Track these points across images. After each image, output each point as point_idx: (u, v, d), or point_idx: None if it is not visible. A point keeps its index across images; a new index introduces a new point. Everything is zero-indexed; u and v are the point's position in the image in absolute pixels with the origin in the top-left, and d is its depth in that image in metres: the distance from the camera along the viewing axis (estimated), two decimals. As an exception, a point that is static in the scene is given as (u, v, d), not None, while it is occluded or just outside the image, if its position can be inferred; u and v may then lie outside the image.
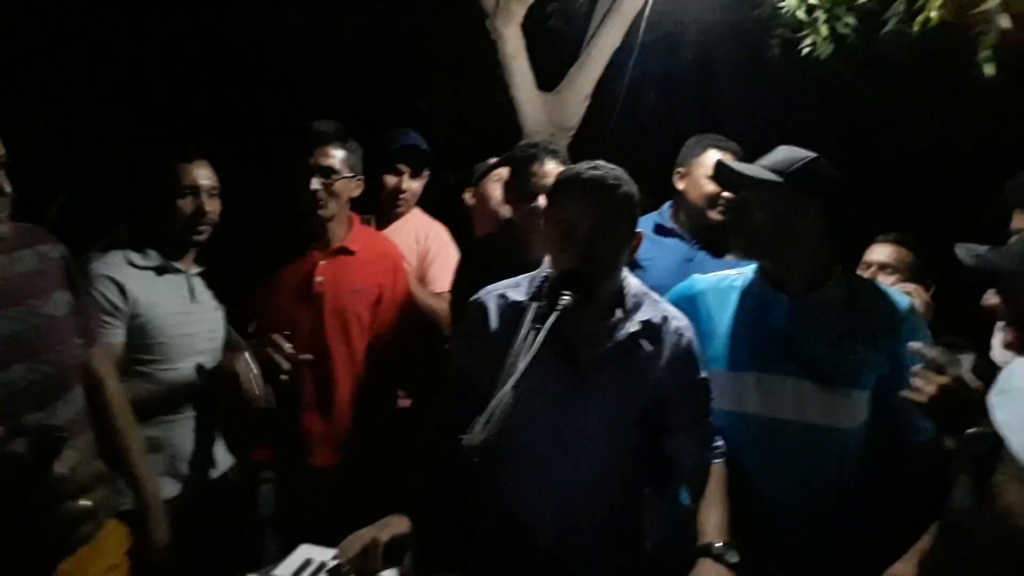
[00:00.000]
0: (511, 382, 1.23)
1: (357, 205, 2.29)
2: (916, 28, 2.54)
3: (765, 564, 1.49)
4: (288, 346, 1.93)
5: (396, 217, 2.64)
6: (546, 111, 3.73)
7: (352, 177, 2.16)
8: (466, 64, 4.82)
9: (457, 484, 1.57)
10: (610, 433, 1.53)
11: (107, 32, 4.59)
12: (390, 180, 2.59)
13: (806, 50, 3.21)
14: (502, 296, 1.57)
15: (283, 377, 1.92)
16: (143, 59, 4.81)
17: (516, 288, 1.58)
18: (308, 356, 2.00)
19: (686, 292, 1.79)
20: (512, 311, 1.51)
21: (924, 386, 1.40)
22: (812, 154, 1.66)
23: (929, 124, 5.31)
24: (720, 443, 1.60)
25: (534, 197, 1.97)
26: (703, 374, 1.58)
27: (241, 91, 5.05)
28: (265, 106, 4.94)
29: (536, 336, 1.28)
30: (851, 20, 3.15)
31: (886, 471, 1.67)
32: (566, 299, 1.33)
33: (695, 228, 2.49)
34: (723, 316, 1.72)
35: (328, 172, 2.09)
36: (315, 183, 2.07)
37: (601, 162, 1.50)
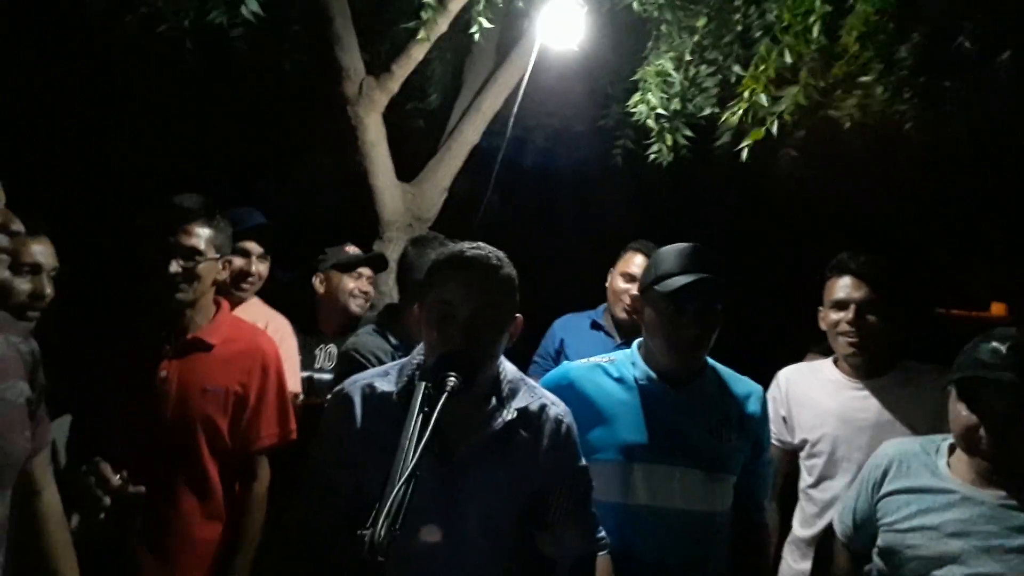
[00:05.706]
0: (408, 471, 1.06)
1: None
2: (746, 147, 2.97)
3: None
4: (115, 477, 1.56)
5: (236, 303, 2.43)
6: (405, 201, 3.72)
7: (218, 259, 1.94)
8: (322, 152, 4.77)
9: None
10: (490, 533, 1.43)
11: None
12: (236, 261, 2.38)
13: (652, 156, 3.48)
14: (369, 386, 1.46)
15: (102, 516, 1.55)
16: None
17: (384, 377, 1.47)
18: (140, 488, 1.59)
19: (561, 380, 1.75)
20: (380, 402, 1.42)
21: None
22: (714, 254, 1.66)
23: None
24: (603, 534, 1.54)
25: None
26: (583, 462, 1.53)
27: (85, 160, 4.62)
28: (105, 175, 4.56)
29: (425, 421, 1.13)
30: (688, 132, 3.48)
31: (736, 544, 1.76)
32: (452, 380, 1.18)
33: (620, 325, 2.78)
34: (603, 404, 1.70)
35: (191, 253, 1.85)
36: (175, 265, 1.83)
37: (482, 243, 1.44)
